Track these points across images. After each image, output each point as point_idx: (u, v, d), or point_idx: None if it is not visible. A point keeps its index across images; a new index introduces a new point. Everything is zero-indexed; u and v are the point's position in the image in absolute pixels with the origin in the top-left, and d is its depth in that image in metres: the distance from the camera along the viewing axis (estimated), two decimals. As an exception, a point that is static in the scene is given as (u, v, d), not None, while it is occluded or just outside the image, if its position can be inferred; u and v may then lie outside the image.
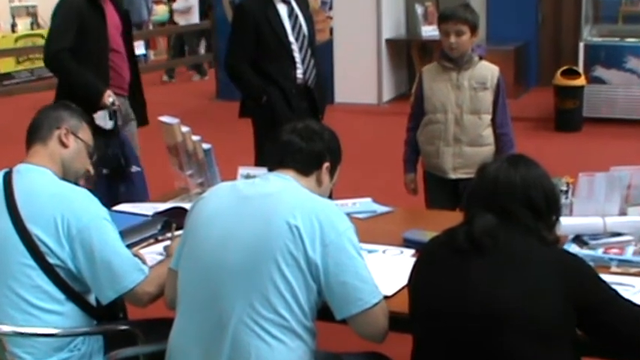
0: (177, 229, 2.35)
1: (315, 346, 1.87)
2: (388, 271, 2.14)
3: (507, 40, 8.01)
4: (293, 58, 3.72)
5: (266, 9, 3.69)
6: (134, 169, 3.65)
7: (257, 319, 1.78)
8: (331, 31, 8.10)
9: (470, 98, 3.17)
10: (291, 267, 1.78)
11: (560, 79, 6.85)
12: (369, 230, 2.42)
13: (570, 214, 2.41)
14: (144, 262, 2.19)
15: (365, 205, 2.81)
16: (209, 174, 2.86)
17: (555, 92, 6.92)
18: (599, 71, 6.88)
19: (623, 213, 2.42)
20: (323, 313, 1.87)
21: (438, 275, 1.75)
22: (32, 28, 11.10)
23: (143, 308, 2.12)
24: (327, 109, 4.04)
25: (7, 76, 10.31)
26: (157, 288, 2.07)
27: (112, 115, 3.61)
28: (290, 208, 1.83)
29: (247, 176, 2.60)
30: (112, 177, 3.61)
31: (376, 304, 1.83)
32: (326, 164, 2.01)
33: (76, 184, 2.27)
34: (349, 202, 2.80)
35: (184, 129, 2.88)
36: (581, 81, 6.80)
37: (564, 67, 6.93)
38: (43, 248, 2.04)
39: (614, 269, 2.14)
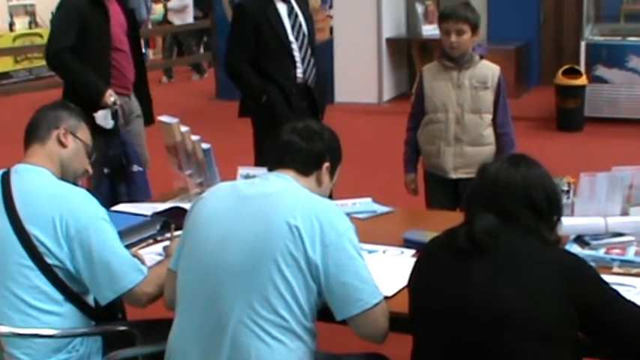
0: (177, 229, 2.34)
1: (315, 347, 1.86)
2: (388, 271, 2.14)
3: (508, 40, 8.00)
4: (293, 57, 3.71)
5: (266, 8, 3.69)
6: (135, 168, 3.65)
7: (257, 319, 1.78)
8: (331, 30, 8.10)
9: (471, 97, 3.16)
10: (291, 267, 1.78)
11: (561, 79, 6.84)
12: (369, 230, 2.42)
13: (572, 214, 2.41)
14: (143, 262, 2.18)
15: (365, 205, 2.81)
16: (208, 174, 2.86)
17: (556, 92, 6.91)
18: (601, 70, 6.87)
19: (624, 213, 2.42)
20: (323, 313, 1.86)
21: (438, 276, 1.74)
22: (30, 27, 11.10)
23: (142, 309, 2.11)
24: (327, 108, 4.04)
25: (5, 75, 10.32)
26: (156, 288, 2.07)
27: (114, 115, 3.61)
28: (290, 208, 1.82)
29: (247, 176, 2.60)
30: (113, 177, 3.61)
31: (376, 304, 1.82)
32: (326, 164, 2.00)
33: (75, 184, 2.26)
34: (349, 202, 2.79)
35: (183, 129, 2.87)
36: (582, 80, 6.80)
37: (566, 67, 6.92)
38: (41, 249, 2.03)
39: (615, 270, 2.13)
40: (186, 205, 2.32)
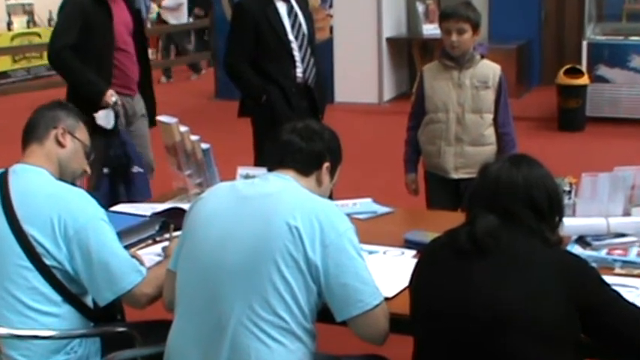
0: (176, 229, 2.34)
1: (315, 349, 1.86)
2: (389, 272, 2.13)
3: (510, 39, 7.99)
4: (293, 56, 3.71)
5: (265, 7, 3.68)
6: (135, 169, 3.64)
7: (256, 320, 1.77)
8: (331, 29, 8.09)
9: (471, 97, 3.15)
10: (290, 268, 1.77)
11: (563, 78, 6.83)
12: (369, 231, 2.41)
13: (573, 214, 2.40)
14: (142, 263, 2.18)
15: (365, 205, 2.80)
16: (208, 174, 2.85)
17: (558, 91, 6.90)
18: (603, 70, 6.86)
19: (626, 213, 2.41)
20: (323, 314, 1.86)
21: (439, 276, 1.74)
22: (28, 27, 11.09)
23: (141, 310, 2.10)
24: (327, 108, 4.04)
25: (3, 75, 10.32)
26: (155, 289, 2.06)
27: (115, 115, 3.60)
28: (290, 208, 1.81)
29: (246, 176, 2.59)
30: (112, 177, 3.60)
31: (377, 305, 1.82)
32: (326, 164, 2.00)
33: (73, 184, 2.25)
34: (349, 202, 2.79)
35: (183, 128, 2.86)
36: (584, 80, 6.79)
37: (567, 66, 6.91)
38: (39, 249, 2.03)
39: (617, 270, 2.13)
40: (186, 206, 2.31)
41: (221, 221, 1.86)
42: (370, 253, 2.27)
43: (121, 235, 2.23)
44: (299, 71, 3.73)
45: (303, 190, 1.90)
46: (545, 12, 8.42)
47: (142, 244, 2.45)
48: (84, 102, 3.43)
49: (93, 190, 3.33)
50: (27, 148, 2.20)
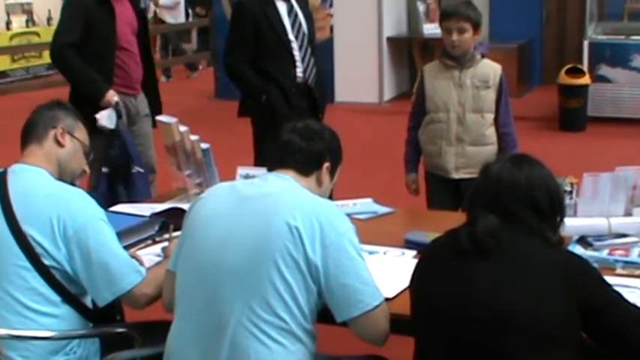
0: (175, 230, 2.33)
1: (315, 349, 1.85)
2: (389, 272, 2.13)
3: (510, 38, 7.99)
4: (293, 56, 3.70)
5: (265, 7, 3.67)
6: (136, 169, 3.64)
7: (256, 321, 1.76)
8: (331, 29, 8.09)
9: (472, 97, 3.15)
10: (290, 268, 1.77)
11: (564, 78, 6.82)
12: (369, 231, 2.40)
13: (575, 214, 2.40)
14: (141, 263, 2.17)
15: (366, 205, 2.79)
16: (208, 174, 2.85)
17: (559, 91, 6.89)
18: (604, 70, 6.85)
19: (628, 214, 2.41)
20: (323, 315, 1.85)
21: (440, 277, 1.73)
22: (27, 26, 11.10)
23: (140, 310, 2.10)
24: (328, 108, 4.03)
25: (2, 74, 10.33)
26: (155, 290, 2.06)
27: (118, 116, 3.60)
28: (290, 208, 1.81)
29: (246, 176, 2.59)
30: (112, 177, 3.60)
31: (377, 306, 1.81)
32: (326, 164, 1.99)
33: (73, 184, 2.25)
34: (350, 202, 2.78)
35: (182, 128, 2.86)
36: (585, 80, 6.78)
37: (568, 66, 6.90)
38: (38, 249, 2.02)
39: (619, 271, 2.12)
40: (185, 206, 2.30)
41: (221, 221, 1.86)
42: (370, 253, 2.27)
43: (121, 235, 2.23)
44: (299, 71, 3.73)
45: (303, 190, 1.90)
46: (546, 11, 8.41)
47: (142, 245, 2.44)
48: (86, 103, 3.43)
49: (91, 190, 3.33)
50: (26, 148, 2.19)
